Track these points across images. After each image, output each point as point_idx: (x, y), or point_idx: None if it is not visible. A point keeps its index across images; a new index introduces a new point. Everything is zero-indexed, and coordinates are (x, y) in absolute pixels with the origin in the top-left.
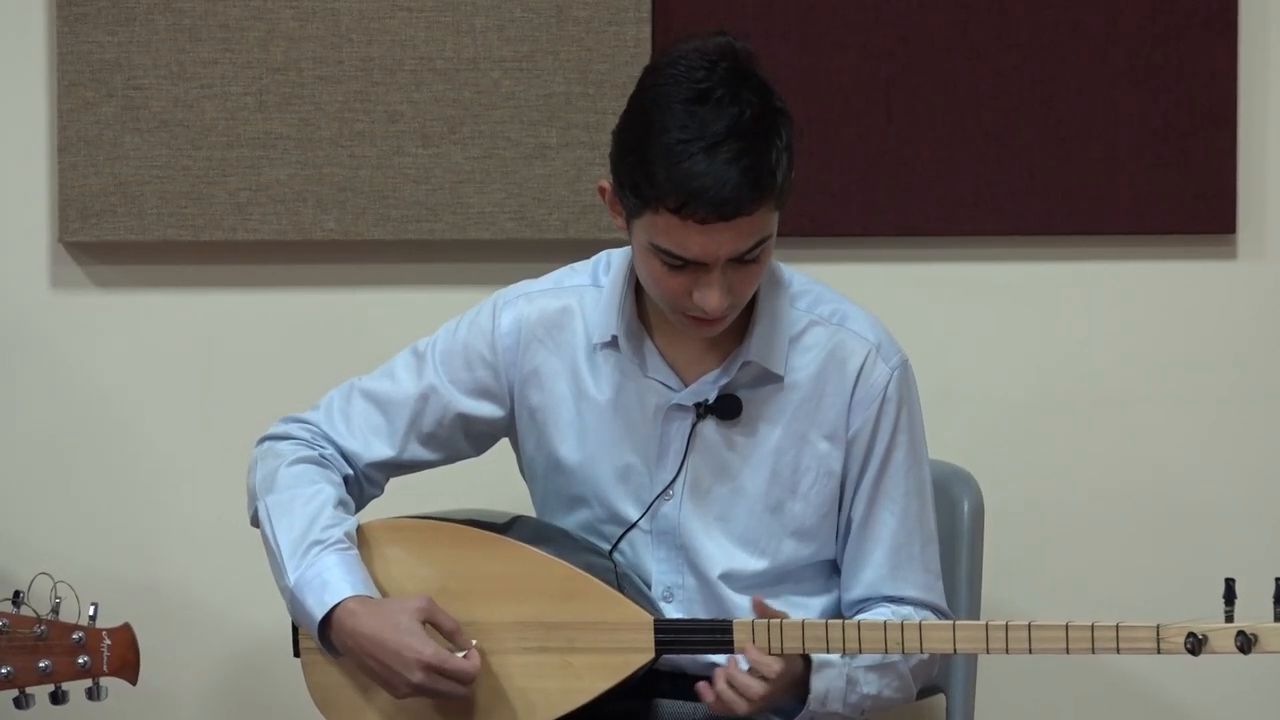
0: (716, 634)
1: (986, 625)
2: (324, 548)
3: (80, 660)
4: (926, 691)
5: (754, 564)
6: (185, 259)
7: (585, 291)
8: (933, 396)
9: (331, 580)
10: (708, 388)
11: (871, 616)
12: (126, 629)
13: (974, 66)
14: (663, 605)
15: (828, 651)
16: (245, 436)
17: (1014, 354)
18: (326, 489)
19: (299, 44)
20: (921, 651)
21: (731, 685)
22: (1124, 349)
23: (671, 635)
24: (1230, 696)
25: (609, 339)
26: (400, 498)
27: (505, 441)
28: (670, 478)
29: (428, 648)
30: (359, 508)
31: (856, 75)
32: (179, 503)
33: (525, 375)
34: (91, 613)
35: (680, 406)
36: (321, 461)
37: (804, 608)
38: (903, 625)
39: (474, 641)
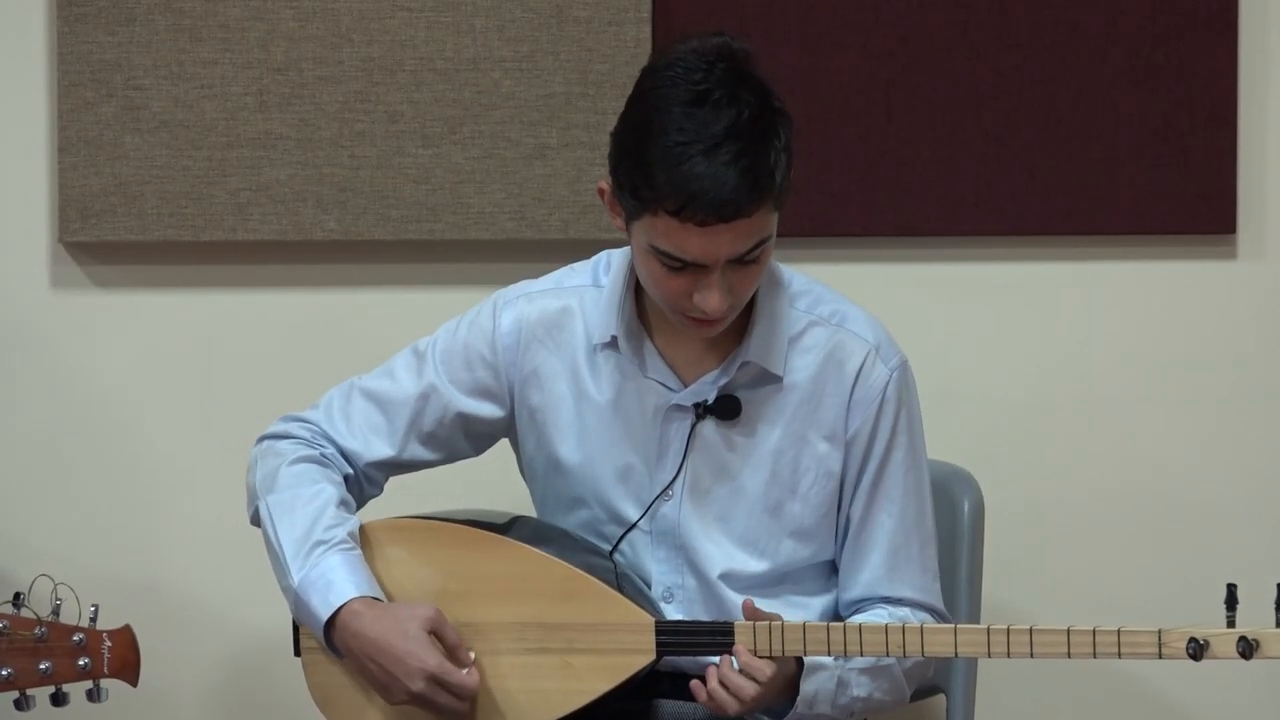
0: (718, 636)
1: (988, 629)
2: (328, 548)
3: (81, 662)
4: (926, 692)
5: (753, 564)
6: (185, 259)
7: (585, 292)
8: (933, 396)
9: (336, 580)
10: (707, 388)
11: (869, 618)
12: (127, 630)
13: (974, 66)
14: (662, 605)
15: (829, 654)
16: (245, 436)
17: (1014, 354)
18: (328, 488)
19: (299, 44)
20: (923, 655)
21: (724, 685)
22: (1124, 349)
23: (673, 637)
24: (1231, 699)
25: (609, 339)
26: (400, 498)
27: (505, 441)
28: (670, 478)
29: (432, 658)
30: (359, 507)
31: (856, 75)
32: (179, 503)
33: (525, 375)
34: (92, 614)
35: (680, 407)
36: (322, 461)
37: (804, 608)
38: (904, 628)
39: (472, 655)
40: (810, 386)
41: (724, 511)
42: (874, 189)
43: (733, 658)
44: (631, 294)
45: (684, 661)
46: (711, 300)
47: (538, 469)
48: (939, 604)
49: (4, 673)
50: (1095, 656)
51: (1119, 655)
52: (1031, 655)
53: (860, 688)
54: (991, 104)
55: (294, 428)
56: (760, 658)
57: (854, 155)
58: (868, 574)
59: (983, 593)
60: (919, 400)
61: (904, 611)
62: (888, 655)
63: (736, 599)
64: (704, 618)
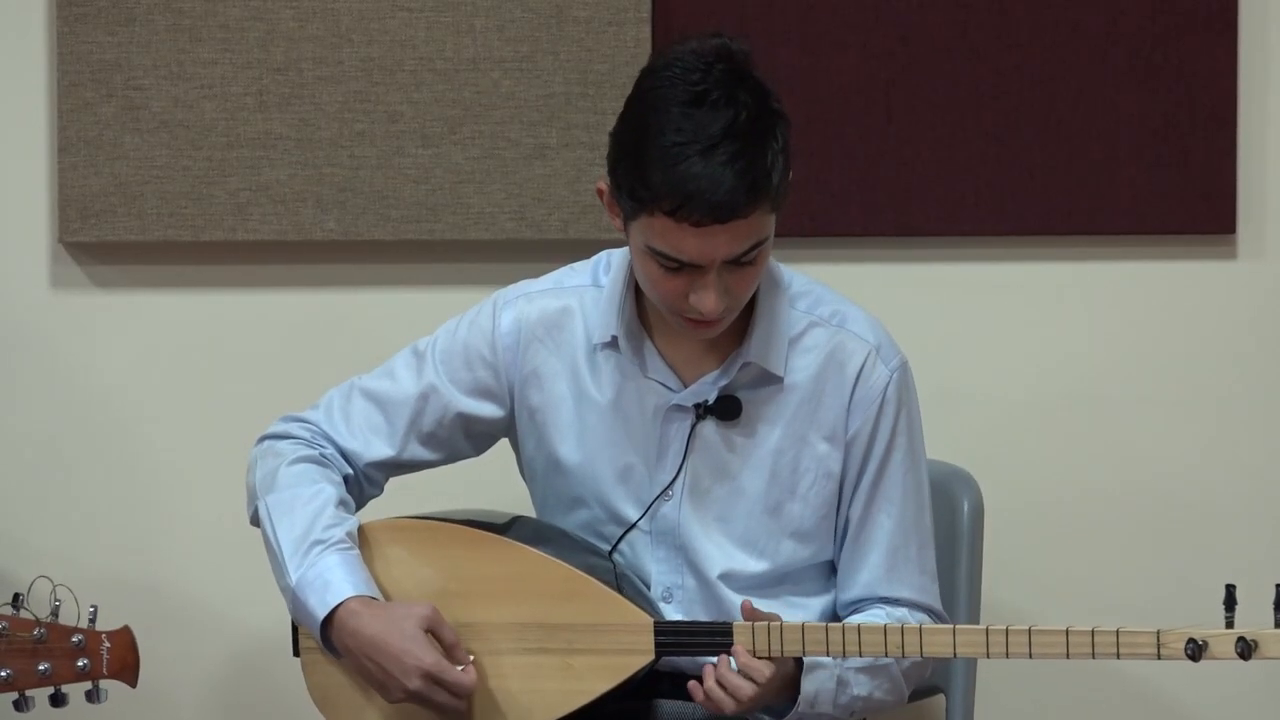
0: (717, 636)
1: (986, 630)
2: (326, 547)
3: (80, 663)
4: (926, 692)
5: (753, 565)
6: (185, 259)
7: (585, 292)
8: (933, 396)
9: (334, 580)
10: (707, 388)
11: (867, 618)
12: (126, 631)
13: (974, 66)
14: (662, 606)
15: (827, 655)
16: (245, 436)
17: (1014, 354)
18: (327, 488)
19: (299, 44)
20: (921, 655)
21: (721, 685)
22: (1124, 349)
23: (672, 637)
24: (1230, 699)
25: (609, 339)
26: (400, 498)
27: (505, 441)
28: (670, 478)
29: (429, 656)
30: (358, 507)
31: (856, 75)
32: (179, 503)
33: (525, 375)
34: (91, 615)
35: (680, 407)
36: (322, 461)
37: (803, 608)
38: (903, 629)
39: (471, 657)
40: (810, 387)
41: (724, 512)
42: (874, 189)
43: (730, 658)
44: (631, 294)
45: (683, 662)
46: (707, 301)
47: (537, 469)
48: (937, 604)
49: (3, 674)
50: (1094, 657)
51: (1118, 656)
52: (1030, 656)
53: (860, 687)
54: (991, 104)
55: (294, 428)
56: (759, 658)
57: (854, 155)
58: (866, 574)
59: (982, 593)
60: (919, 401)
61: (902, 612)
62: (886, 655)
63: (736, 599)
64: (703, 618)
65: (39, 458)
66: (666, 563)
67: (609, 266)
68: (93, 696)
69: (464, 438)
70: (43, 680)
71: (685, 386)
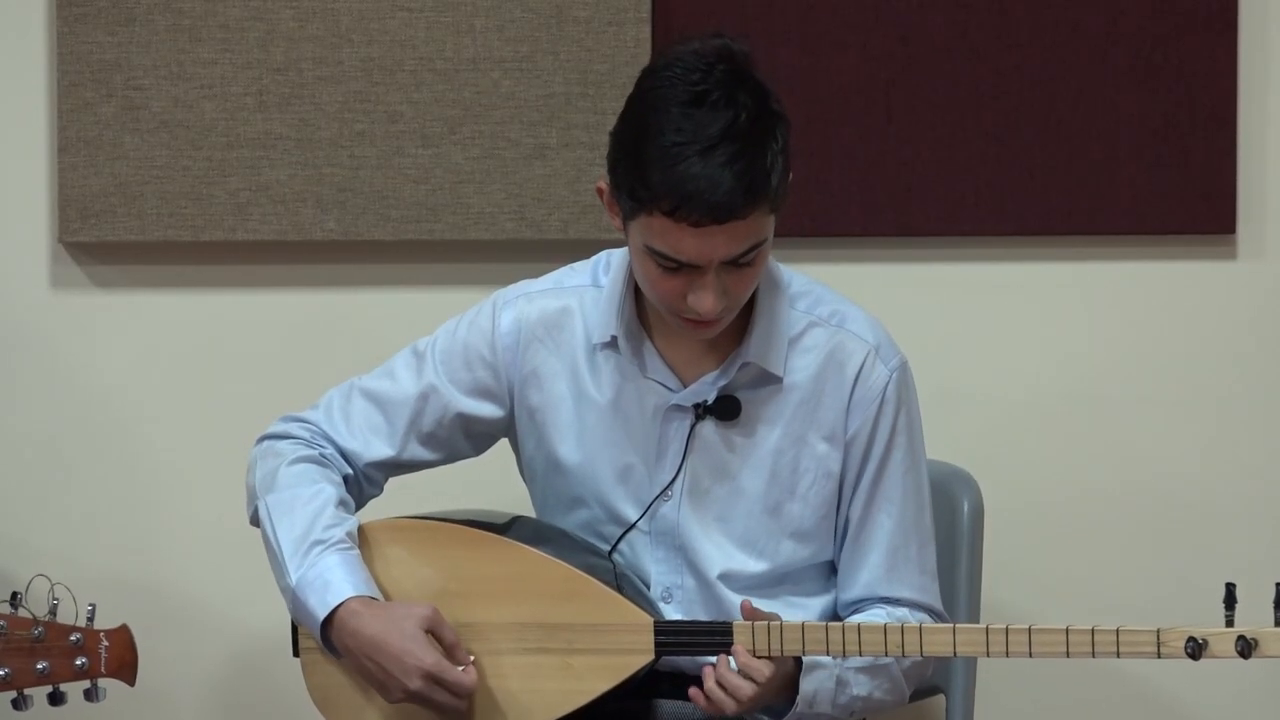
0: (716, 636)
1: (986, 629)
2: (326, 547)
3: (78, 661)
4: (925, 692)
5: (753, 565)
6: (185, 259)
7: (585, 292)
8: (933, 396)
9: (334, 580)
10: (707, 389)
11: (868, 618)
12: (124, 630)
13: (974, 66)
14: (662, 606)
15: (827, 654)
16: (245, 436)
17: (1014, 354)
18: (327, 488)
19: (299, 44)
20: (921, 655)
21: (721, 686)
22: (1124, 349)
23: (671, 637)
24: (1230, 699)
25: (608, 339)
26: (400, 498)
27: (505, 441)
28: (669, 478)
29: (429, 656)
30: (358, 507)
31: (856, 75)
32: (179, 503)
33: (525, 375)
34: (89, 613)
35: (679, 407)
36: (321, 461)
37: (803, 608)
38: (903, 628)
39: (471, 657)
40: (810, 387)
41: (723, 512)
42: (874, 189)
43: (729, 658)
44: (631, 294)
45: (683, 661)
46: (705, 301)
47: (537, 469)
48: (937, 604)
49: (2, 673)
50: (1094, 656)
51: (1118, 655)
52: (1030, 655)
53: (860, 686)
54: (991, 104)
55: (294, 428)
56: (759, 658)
57: (854, 155)
58: (866, 574)
59: (982, 593)
60: (919, 401)
61: (902, 612)
62: (886, 655)
63: (735, 599)
64: (703, 618)
65: (39, 458)
66: (666, 563)
67: (609, 266)
68: (91, 695)
69: (464, 438)
70: (41, 679)
71: (685, 386)
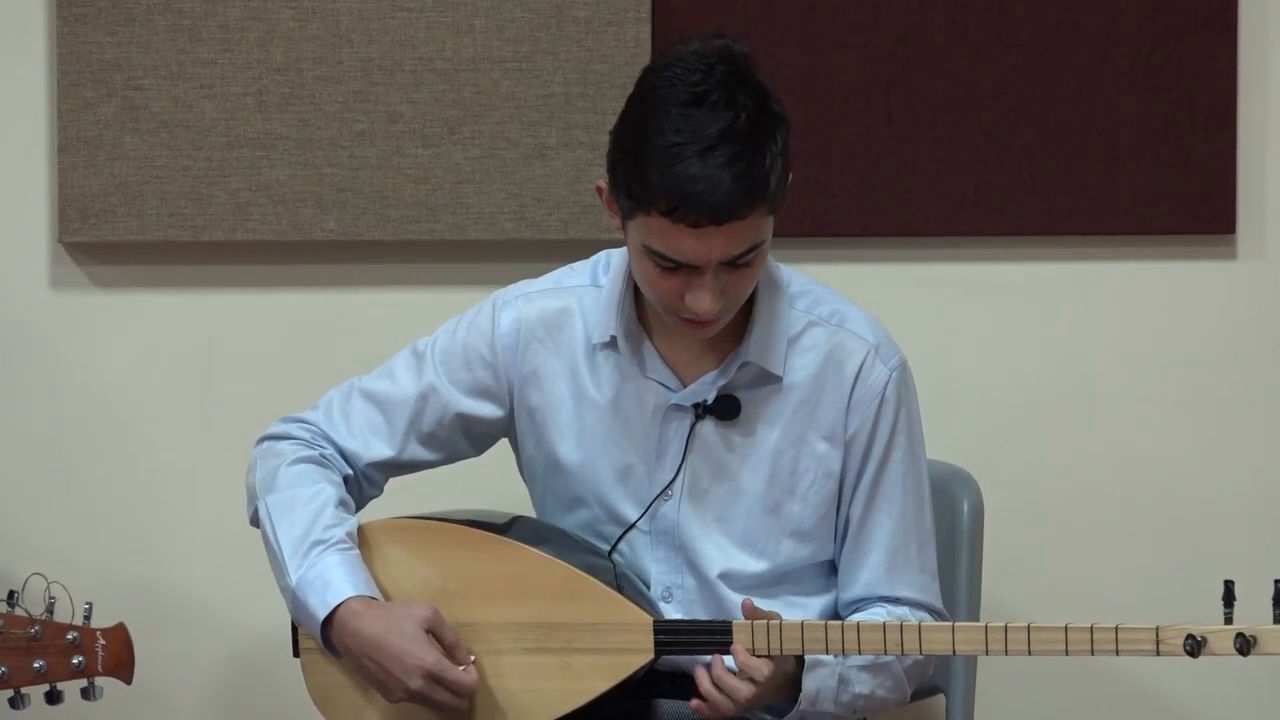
0: (716, 635)
1: (985, 627)
2: (326, 548)
3: (75, 660)
4: (925, 691)
5: (753, 564)
6: (185, 259)
7: (584, 292)
8: (933, 396)
9: (334, 580)
10: (706, 388)
11: (868, 617)
12: (121, 628)
13: (974, 66)
14: (662, 605)
15: (826, 653)
16: (245, 437)
17: (1014, 354)
18: (327, 489)
19: (299, 44)
20: (921, 653)
21: (718, 687)
22: (1124, 349)
23: (671, 636)
24: (1229, 698)
25: (608, 339)
26: (400, 498)
27: (505, 441)
28: (669, 478)
29: (429, 655)
30: (358, 508)
31: (856, 75)
32: (179, 503)
33: (524, 375)
34: (86, 612)
35: (679, 407)
36: (321, 461)
37: (803, 608)
38: (902, 627)
39: (471, 657)
40: (810, 387)
41: (723, 511)
42: (874, 189)
43: (723, 658)
44: (631, 294)
45: (683, 661)
46: (703, 302)
47: (537, 469)
48: (938, 603)
49: None
50: (1093, 654)
51: (1117, 652)
52: (1029, 653)
53: (862, 685)
54: (991, 104)
55: (294, 429)
56: (758, 657)
57: (854, 155)
58: (867, 574)
59: (982, 593)
60: (918, 400)
61: (903, 611)
62: (885, 653)
63: (735, 599)
64: (703, 617)
65: (39, 458)
66: (666, 562)
67: (608, 266)
68: (88, 694)
69: (463, 438)
70: (38, 677)
71: (684, 386)
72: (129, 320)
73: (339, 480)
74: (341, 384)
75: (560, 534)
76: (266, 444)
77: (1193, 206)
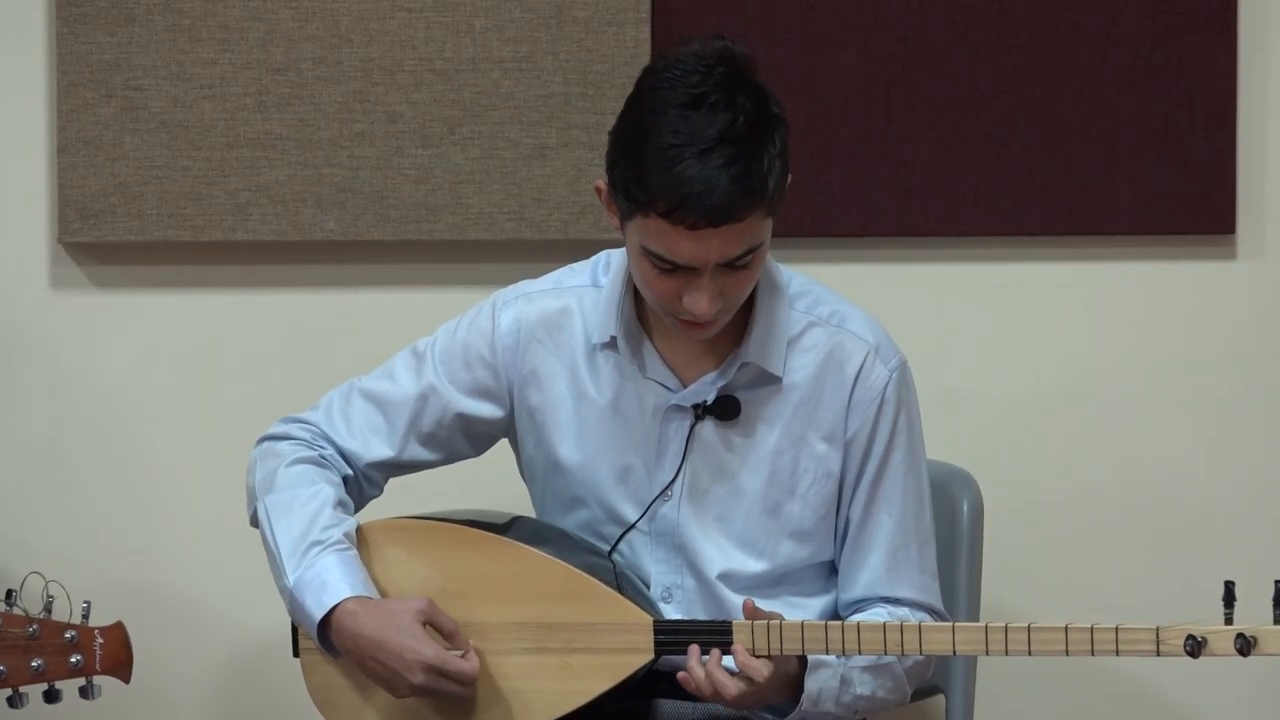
0: (716, 635)
1: (986, 627)
2: (323, 548)
3: (73, 659)
4: (925, 691)
5: (753, 565)
6: (185, 259)
7: (584, 292)
8: (933, 397)
9: (330, 581)
10: (706, 389)
11: (868, 617)
12: (119, 627)
13: (974, 66)
14: (662, 605)
15: (826, 653)
16: (245, 437)
17: (1014, 354)
18: (326, 489)
19: (299, 44)
20: (921, 653)
21: (709, 677)
22: (1124, 349)
23: (671, 636)
24: (1229, 698)
25: (608, 340)
26: (400, 498)
27: (505, 441)
28: (669, 479)
29: (429, 649)
30: (358, 508)
31: (856, 75)
32: (179, 503)
33: (524, 376)
34: (84, 611)
35: (679, 407)
36: (321, 462)
37: (803, 609)
38: (902, 627)
39: (471, 642)
40: (809, 387)
41: (723, 512)
42: (874, 189)
43: (721, 655)
44: (630, 294)
45: (683, 661)
46: (700, 303)
47: (537, 469)
48: (938, 603)
49: None
50: (1093, 654)
51: (1117, 653)
52: (1029, 653)
53: (863, 685)
54: (991, 104)
55: (293, 429)
56: (758, 657)
57: (854, 155)
58: (867, 574)
59: (982, 593)
60: (918, 401)
61: (903, 611)
62: (886, 654)
63: (735, 599)
64: (703, 618)
65: (39, 458)
66: (666, 563)
67: (608, 267)
68: (86, 692)
69: (463, 438)
70: (36, 676)
71: (684, 387)
72: (129, 321)
73: (338, 481)
74: (341, 384)
75: (560, 534)
76: (266, 444)
77: (1193, 206)
